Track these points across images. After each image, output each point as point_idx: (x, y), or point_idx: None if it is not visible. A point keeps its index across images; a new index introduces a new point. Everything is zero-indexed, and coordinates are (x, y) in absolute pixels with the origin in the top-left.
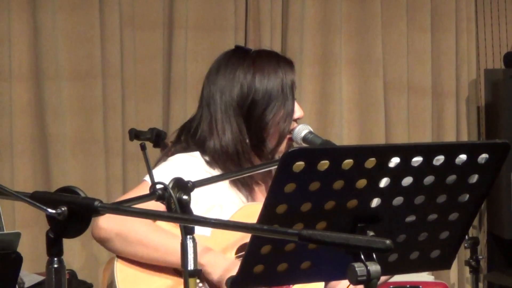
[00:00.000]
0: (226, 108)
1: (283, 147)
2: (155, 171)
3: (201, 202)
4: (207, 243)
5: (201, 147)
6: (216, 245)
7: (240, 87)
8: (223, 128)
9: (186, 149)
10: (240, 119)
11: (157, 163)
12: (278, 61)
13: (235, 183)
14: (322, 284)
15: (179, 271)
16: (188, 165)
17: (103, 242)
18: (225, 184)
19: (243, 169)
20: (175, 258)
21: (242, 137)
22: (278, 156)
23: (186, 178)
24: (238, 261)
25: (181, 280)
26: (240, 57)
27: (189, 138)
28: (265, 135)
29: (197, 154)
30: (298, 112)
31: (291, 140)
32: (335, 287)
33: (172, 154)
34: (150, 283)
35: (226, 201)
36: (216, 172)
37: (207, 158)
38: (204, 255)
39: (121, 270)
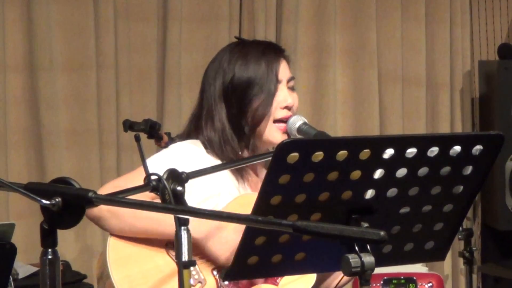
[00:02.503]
0: (214, 97)
1: (271, 136)
2: (153, 158)
3: (196, 192)
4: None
5: (199, 137)
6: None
7: (222, 74)
8: (210, 118)
9: (188, 136)
10: (223, 107)
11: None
12: (265, 49)
13: (233, 172)
14: (314, 275)
15: (171, 251)
16: (187, 153)
17: (96, 220)
18: (223, 173)
19: (238, 160)
20: (169, 227)
21: (222, 125)
22: (272, 147)
23: (185, 165)
24: None
25: (172, 262)
26: (230, 47)
27: (191, 128)
28: (243, 121)
29: (197, 142)
30: (288, 99)
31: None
32: (329, 279)
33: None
34: (141, 264)
35: (224, 191)
36: (215, 159)
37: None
38: (211, 237)
39: (114, 249)
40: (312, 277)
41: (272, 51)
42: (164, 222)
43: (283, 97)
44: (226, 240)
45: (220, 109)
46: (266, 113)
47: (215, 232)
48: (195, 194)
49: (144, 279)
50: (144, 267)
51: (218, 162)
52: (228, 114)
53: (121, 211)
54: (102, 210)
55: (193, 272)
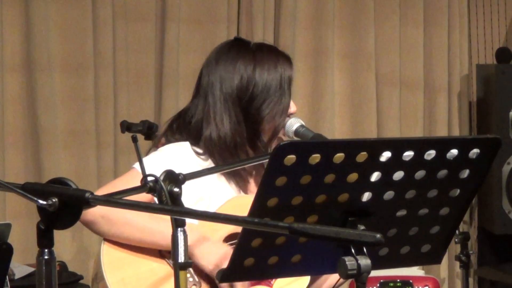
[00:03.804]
0: (226, 98)
1: (278, 140)
2: (144, 161)
3: (188, 195)
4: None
5: (194, 137)
6: (204, 232)
7: (240, 78)
8: (221, 118)
9: (178, 139)
10: (239, 111)
11: (147, 153)
12: (278, 56)
13: (226, 175)
14: (308, 277)
15: (164, 254)
16: (178, 155)
17: (89, 224)
18: (214, 176)
19: (234, 162)
20: (159, 239)
21: (240, 128)
22: (270, 149)
23: (175, 168)
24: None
25: (166, 265)
26: (241, 49)
27: (183, 127)
28: (260, 129)
29: (186, 144)
30: (292, 107)
31: (280, 139)
32: (319, 279)
33: (163, 144)
34: (135, 267)
35: (215, 193)
36: (207, 163)
37: (198, 149)
38: (198, 245)
39: (107, 253)
40: (306, 279)
41: (286, 61)
42: (157, 232)
43: (291, 104)
44: (209, 251)
45: (235, 112)
46: (282, 124)
47: (201, 241)
48: (185, 197)
49: (138, 281)
50: (138, 270)
51: (206, 163)
52: (244, 117)
53: (114, 217)
54: (96, 215)
55: (188, 275)
